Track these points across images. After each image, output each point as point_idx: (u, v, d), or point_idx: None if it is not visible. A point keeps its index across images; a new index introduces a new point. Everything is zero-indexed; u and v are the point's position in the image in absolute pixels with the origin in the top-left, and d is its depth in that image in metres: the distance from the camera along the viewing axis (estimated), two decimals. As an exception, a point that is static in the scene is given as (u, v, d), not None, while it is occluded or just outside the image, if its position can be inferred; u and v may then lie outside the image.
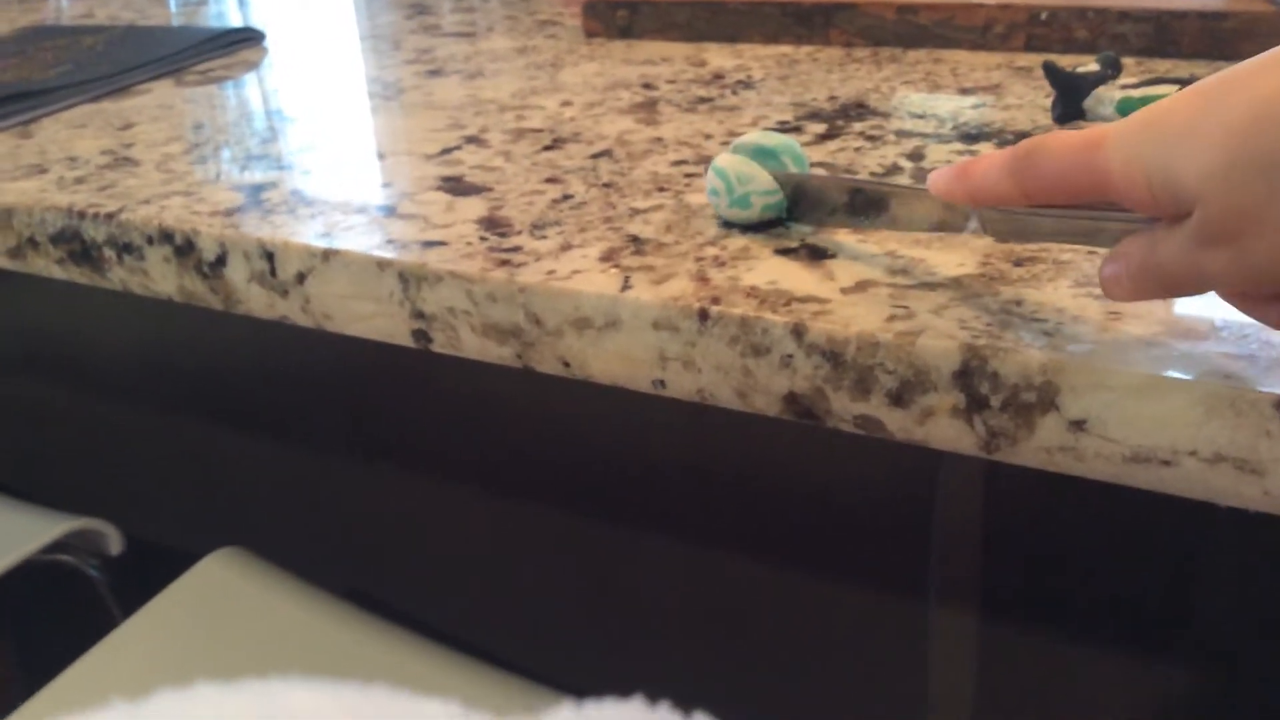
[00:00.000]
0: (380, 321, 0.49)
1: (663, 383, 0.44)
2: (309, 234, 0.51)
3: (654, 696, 0.25)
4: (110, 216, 0.55)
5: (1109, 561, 0.65)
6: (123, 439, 1.06)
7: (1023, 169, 0.36)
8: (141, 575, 0.86)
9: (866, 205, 0.46)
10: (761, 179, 0.48)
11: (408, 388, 0.85)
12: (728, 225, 0.49)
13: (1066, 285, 0.42)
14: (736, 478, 0.75)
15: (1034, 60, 0.71)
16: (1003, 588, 0.69)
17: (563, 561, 0.86)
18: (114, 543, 0.93)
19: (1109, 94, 0.57)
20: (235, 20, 1.07)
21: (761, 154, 0.49)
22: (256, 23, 1.04)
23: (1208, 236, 0.31)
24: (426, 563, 0.93)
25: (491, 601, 0.91)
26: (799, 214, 0.49)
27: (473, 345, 0.48)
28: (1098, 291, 0.41)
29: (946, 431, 0.39)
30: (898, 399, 0.40)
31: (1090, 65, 0.59)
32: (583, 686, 0.24)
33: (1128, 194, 0.33)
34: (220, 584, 0.81)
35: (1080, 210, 0.37)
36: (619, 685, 0.24)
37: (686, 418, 0.74)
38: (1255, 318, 0.35)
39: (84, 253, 0.56)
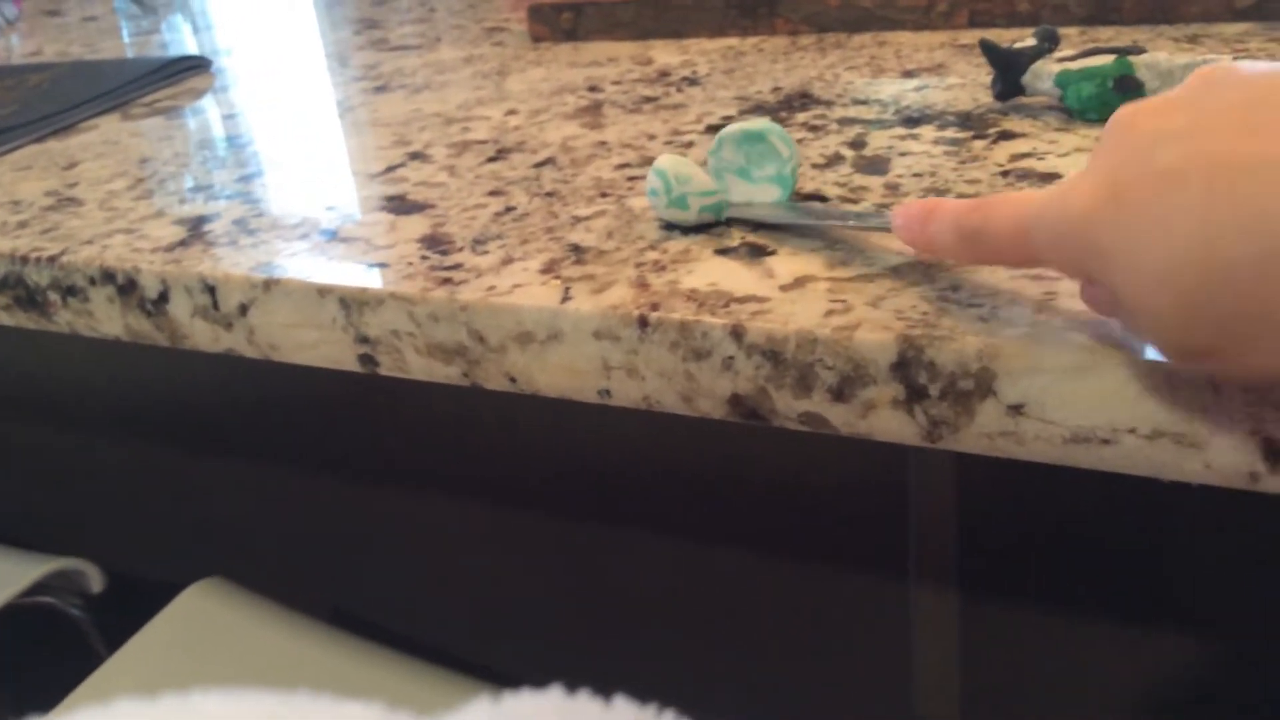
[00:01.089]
0: (325, 349, 0.49)
1: (608, 392, 0.44)
2: (250, 264, 0.50)
3: (644, 695, 0.24)
4: (53, 260, 0.54)
5: (1086, 535, 0.65)
6: (98, 476, 1.05)
7: (969, 242, 0.37)
8: (125, 610, 0.86)
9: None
10: (700, 180, 0.48)
11: (377, 405, 0.84)
12: (669, 227, 0.49)
13: (1003, 268, 0.41)
14: (712, 473, 0.75)
15: (977, 37, 0.71)
16: (981, 567, 0.69)
17: (544, 565, 0.85)
18: (95, 581, 0.93)
19: (1047, 68, 0.56)
20: (190, 47, 1.06)
21: (750, 139, 0.49)
22: (215, 48, 1.03)
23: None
24: (408, 576, 0.93)
25: (478, 610, 0.91)
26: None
27: (419, 366, 0.47)
28: (1034, 272, 0.41)
29: (889, 424, 0.39)
30: (839, 394, 0.39)
31: (1028, 40, 0.59)
32: (570, 688, 0.24)
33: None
34: (202, 615, 0.81)
35: None
36: (605, 684, 0.24)
37: (657, 418, 0.74)
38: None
39: (29, 298, 0.56)
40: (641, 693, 0.25)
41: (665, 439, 0.75)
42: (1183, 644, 0.65)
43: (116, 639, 0.80)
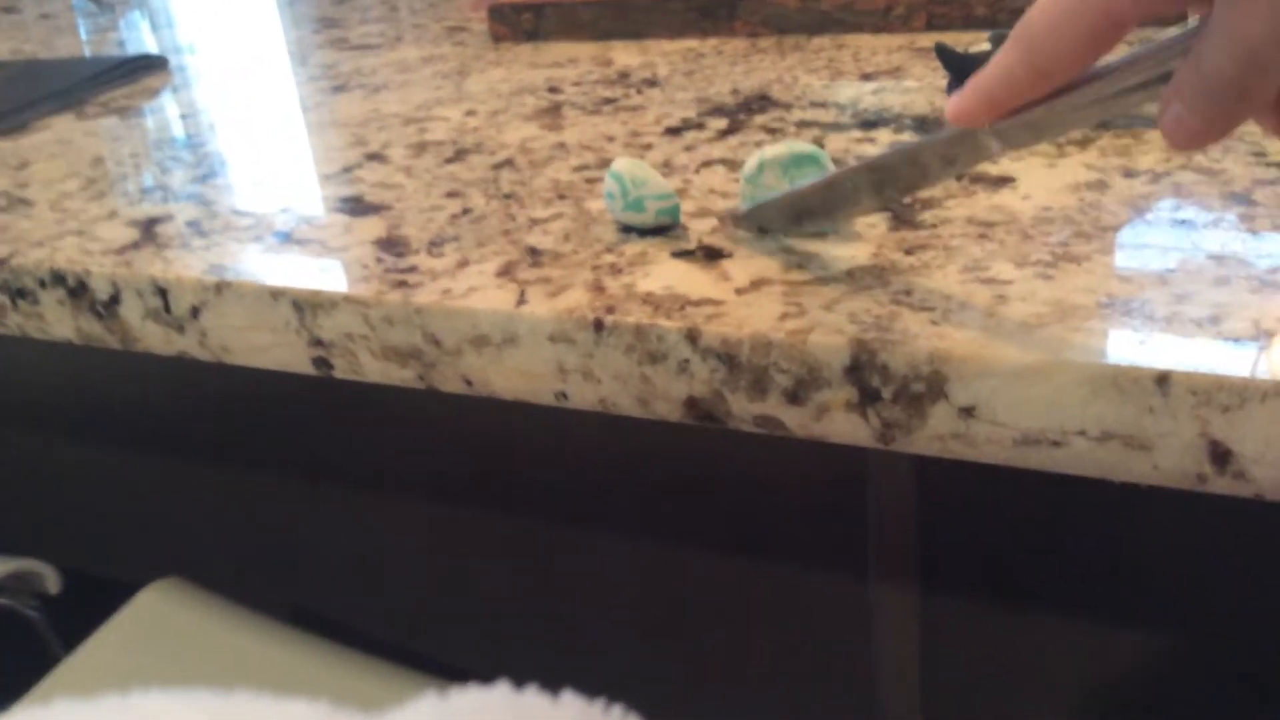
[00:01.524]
0: (279, 351, 0.49)
1: (565, 395, 0.44)
2: (202, 266, 0.50)
3: (602, 694, 0.24)
4: (2, 262, 0.53)
5: (1045, 533, 0.65)
6: (55, 477, 1.04)
7: (1025, 44, 0.33)
8: (82, 611, 0.85)
9: (884, 182, 0.42)
10: (655, 182, 0.48)
11: (333, 404, 0.84)
12: (626, 230, 0.49)
13: (955, 271, 0.42)
14: (672, 473, 0.75)
15: (935, 40, 0.72)
16: (941, 565, 0.69)
17: (503, 564, 0.85)
18: (51, 582, 0.91)
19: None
20: (150, 45, 1.05)
21: (799, 162, 0.46)
22: (175, 45, 1.02)
23: None
24: (367, 575, 0.92)
25: (437, 608, 0.91)
26: (805, 224, 0.46)
27: (374, 369, 0.47)
28: (985, 276, 0.41)
29: (843, 426, 0.39)
30: (794, 397, 0.40)
31: (983, 44, 0.59)
32: (523, 684, 0.24)
33: None
34: (159, 615, 0.80)
35: (1093, 80, 0.34)
36: (564, 682, 0.24)
37: (616, 419, 0.74)
38: None
39: (-22, 300, 0.55)
40: (600, 692, 0.25)
41: (625, 439, 0.75)
42: (1142, 641, 0.66)
43: (74, 640, 0.79)
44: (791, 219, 0.46)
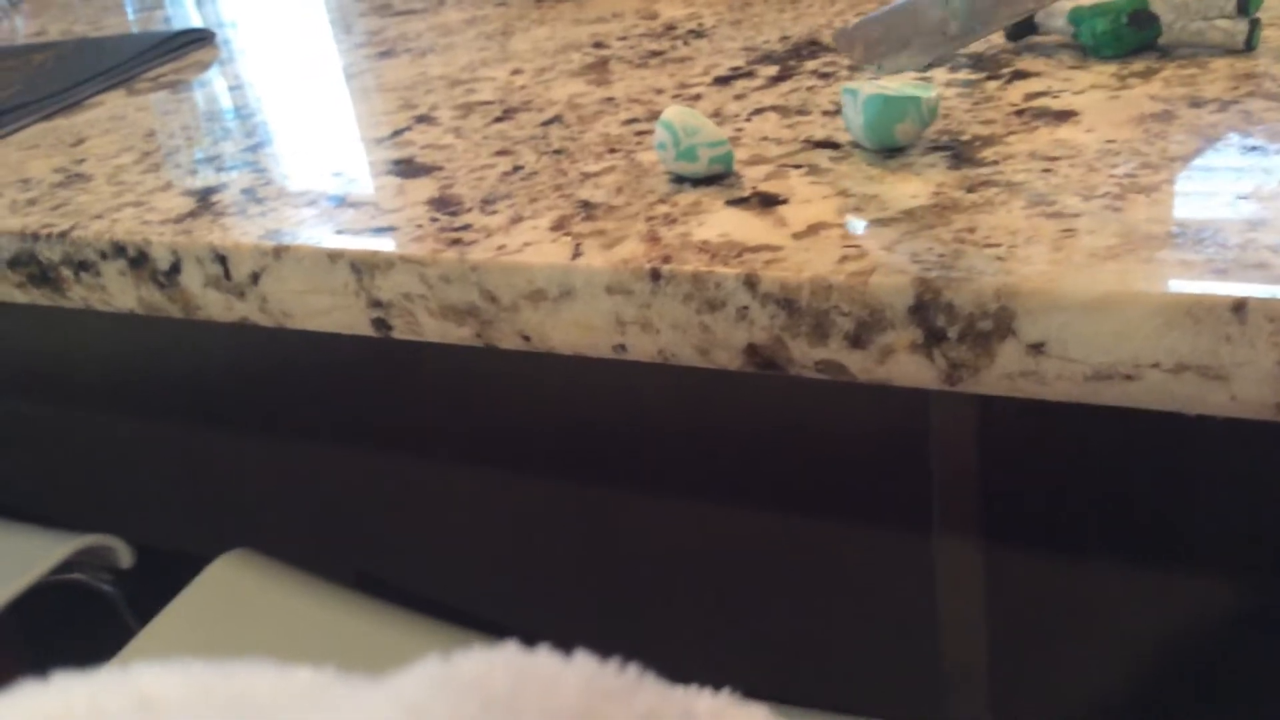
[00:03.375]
0: (339, 314, 0.49)
1: (623, 347, 0.44)
2: (260, 233, 0.50)
3: (668, 656, 0.24)
4: (63, 235, 0.54)
5: (1110, 479, 0.64)
6: (122, 451, 1.06)
7: None
8: (154, 585, 0.86)
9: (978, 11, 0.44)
10: (708, 130, 0.47)
11: (393, 369, 0.84)
12: (679, 180, 0.49)
13: (1020, 206, 0.41)
14: (731, 428, 0.74)
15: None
16: (1005, 513, 0.69)
17: (565, 525, 0.86)
18: (124, 556, 0.94)
19: (1059, 5, 0.55)
20: (195, 21, 1.06)
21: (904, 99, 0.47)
22: (219, 20, 1.03)
23: None
24: (431, 540, 0.93)
25: (501, 571, 0.91)
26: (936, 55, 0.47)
27: (432, 329, 0.47)
28: (1051, 210, 0.40)
29: (907, 368, 0.39)
30: (856, 340, 0.39)
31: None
32: (593, 649, 0.23)
33: None
34: (229, 586, 0.82)
35: None
36: (629, 645, 0.23)
37: (674, 377, 0.74)
38: None
39: (42, 275, 0.56)
40: (665, 654, 0.25)
41: (682, 396, 0.75)
42: (1211, 586, 0.65)
43: (147, 613, 0.81)
44: (888, 43, 0.46)
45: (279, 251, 0.49)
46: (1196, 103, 0.47)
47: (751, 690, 0.26)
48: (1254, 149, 0.42)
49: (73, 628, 1.03)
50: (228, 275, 0.50)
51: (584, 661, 0.21)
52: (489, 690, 0.20)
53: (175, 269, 0.52)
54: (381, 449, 0.90)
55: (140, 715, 0.21)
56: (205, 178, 0.59)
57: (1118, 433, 0.62)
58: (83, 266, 0.54)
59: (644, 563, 0.84)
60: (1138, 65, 0.52)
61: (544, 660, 0.21)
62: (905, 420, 0.68)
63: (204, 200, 0.55)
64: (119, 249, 0.53)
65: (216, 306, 0.52)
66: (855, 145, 0.49)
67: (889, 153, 0.47)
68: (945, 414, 0.67)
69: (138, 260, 0.52)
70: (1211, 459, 0.61)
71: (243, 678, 0.22)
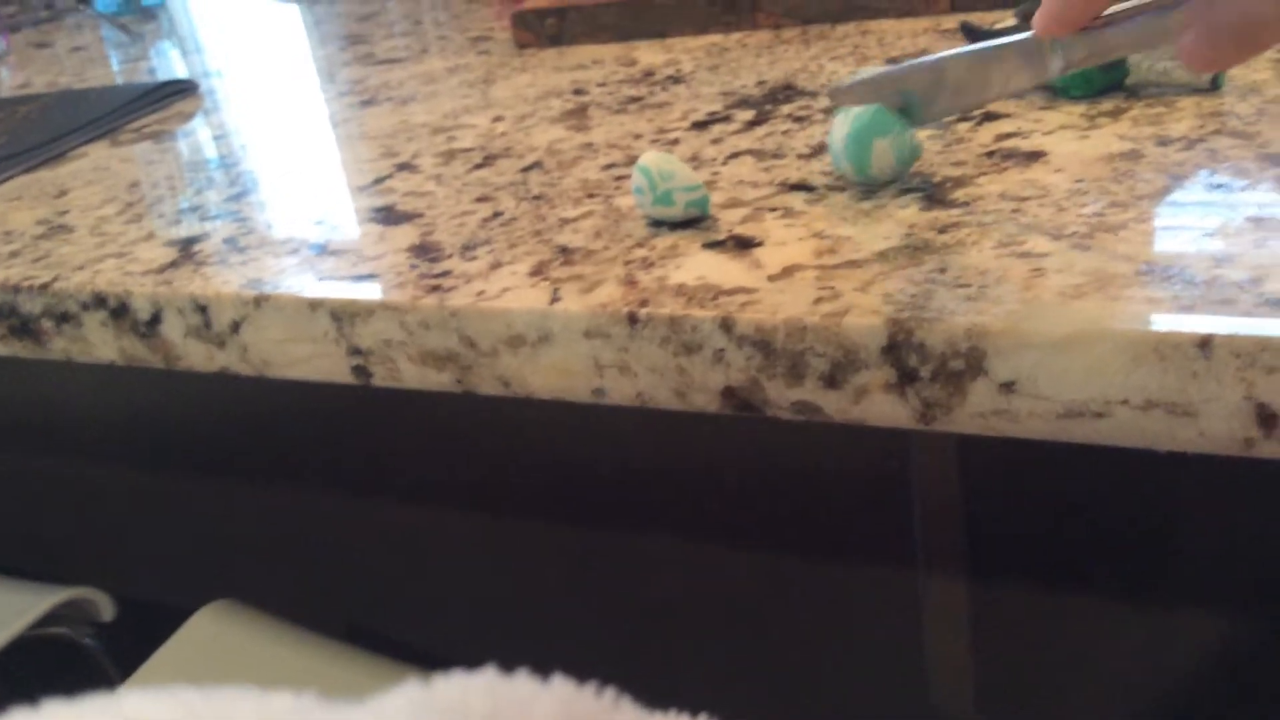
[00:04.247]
0: (319, 362, 0.49)
1: (602, 391, 0.44)
2: (241, 282, 0.50)
3: (656, 697, 0.24)
4: (45, 287, 0.54)
5: (1093, 513, 0.64)
6: (104, 503, 1.05)
7: None
8: (137, 637, 0.86)
9: (967, 82, 0.46)
10: (683, 175, 0.48)
11: (377, 416, 0.84)
12: (656, 224, 0.49)
13: (990, 247, 0.41)
14: (713, 468, 0.74)
15: (960, 20, 0.71)
16: (989, 550, 0.69)
17: (552, 569, 0.85)
18: (106, 609, 0.93)
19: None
20: (180, 71, 1.07)
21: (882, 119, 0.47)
22: (205, 70, 1.04)
23: None
24: (420, 588, 0.93)
25: (489, 617, 0.91)
26: (922, 117, 0.47)
27: (412, 375, 0.47)
28: (1020, 250, 0.41)
29: (882, 408, 0.39)
30: (831, 381, 0.39)
31: (1009, 20, 0.59)
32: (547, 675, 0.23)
33: None
34: (213, 638, 0.81)
35: (1144, 8, 0.38)
36: (622, 688, 0.24)
37: (663, 418, 0.74)
38: None
39: (23, 327, 0.56)
40: (654, 694, 0.25)
41: (663, 438, 0.75)
42: (1196, 619, 0.65)
43: (130, 666, 0.80)
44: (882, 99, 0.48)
45: (259, 300, 0.49)
46: (1163, 141, 0.48)
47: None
48: (1219, 186, 0.43)
49: (54, 682, 1.02)
50: (208, 325, 0.51)
51: (561, 685, 0.22)
52: (466, 713, 0.20)
53: (156, 319, 0.52)
54: (369, 497, 0.89)
55: None
56: (187, 227, 0.59)
57: (1099, 467, 0.62)
58: (64, 318, 0.54)
59: (629, 606, 0.84)
60: (1106, 105, 0.53)
61: (521, 684, 0.22)
62: (887, 458, 0.68)
63: (186, 250, 0.56)
64: (100, 300, 0.53)
65: (197, 356, 0.52)
66: (830, 188, 0.49)
67: (864, 193, 0.48)
68: (927, 451, 0.67)
69: (119, 311, 0.53)
70: (1193, 492, 0.61)
71: (226, 702, 0.22)
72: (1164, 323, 0.34)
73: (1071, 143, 0.49)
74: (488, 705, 0.21)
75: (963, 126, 0.53)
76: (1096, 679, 0.69)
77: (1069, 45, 0.40)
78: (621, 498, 0.79)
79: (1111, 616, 0.66)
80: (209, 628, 0.82)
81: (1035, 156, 0.49)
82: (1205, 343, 0.34)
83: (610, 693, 0.22)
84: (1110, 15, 0.38)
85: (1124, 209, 0.42)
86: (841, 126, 0.48)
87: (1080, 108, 0.53)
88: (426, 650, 0.93)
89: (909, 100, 0.47)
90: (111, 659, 0.93)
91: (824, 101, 0.61)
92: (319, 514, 0.93)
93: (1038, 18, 0.39)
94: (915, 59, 0.47)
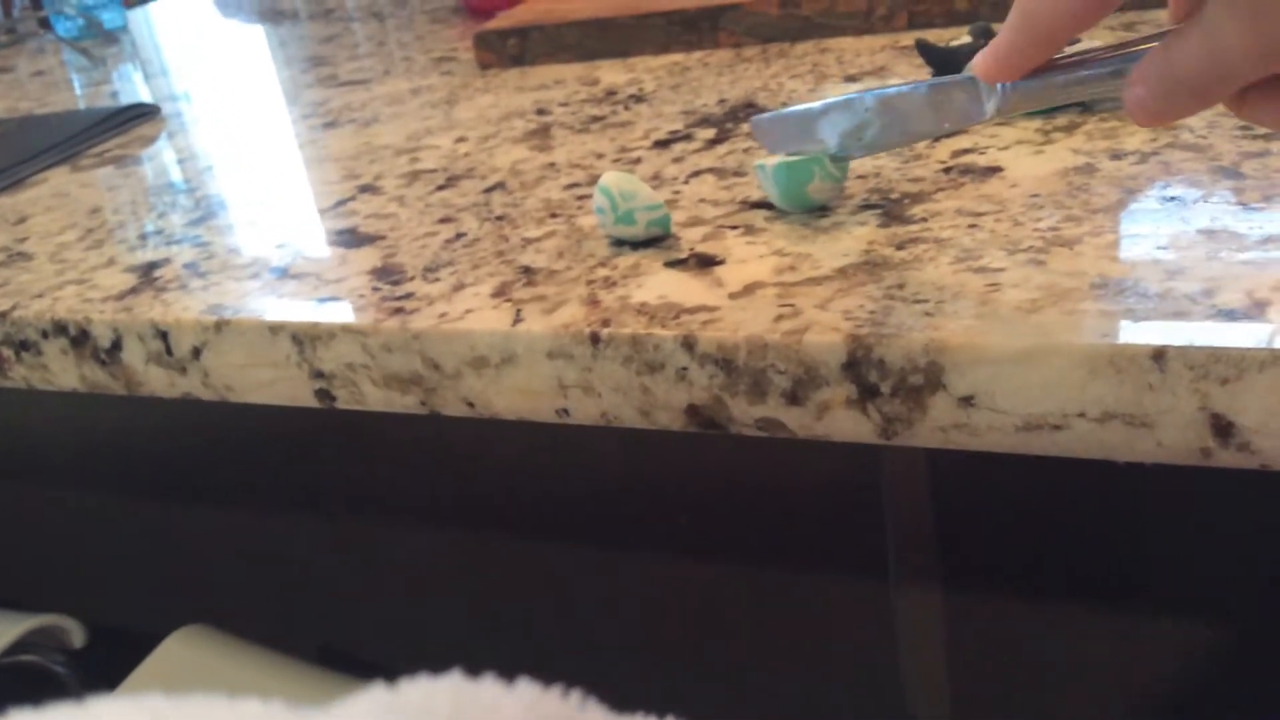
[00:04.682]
0: (281, 386, 0.49)
1: (567, 411, 0.44)
2: (202, 307, 0.50)
3: (632, 708, 0.24)
4: (3, 315, 0.54)
5: (1066, 521, 0.65)
6: (72, 528, 1.04)
7: (1023, 17, 0.35)
8: (108, 663, 0.85)
9: (892, 125, 0.44)
10: (644, 194, 0.48)
11: (343, 438, 0.84)
12: (619, 243, 0.49)
13: (947, 262, 0.42)
14: (683, 485, 0.74)
15: (916, 37, 0.72)
16: (962, 560, 0.69)
17: (524, 587, 0.85)
18: (76, 636, 0.92)
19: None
20: (144, 95, 1.06)
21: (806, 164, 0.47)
22: (171, 93, 1.03)
23: (1221, 5, 0.30)
24: (391, 609, 0.92)
25: (465, 636, 0.91)
26: (844, 153, 0.47)
27: (376, 398, 0.47)
28: (977, 265, 0.41)
29: (844, 424, 0.39)
30: (793, 398, 0.40)
31: (964, 38, 0.59)
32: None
33: None
34: (184, 663, 0.80)
35: (1089, 61, 0.36)
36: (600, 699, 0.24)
37: (632, 436, 0.74)
38: (1265, 123, 0.34)
39: (-18, 355, 0.55)
40: (626, 706, 0.25)
41: (634, 454, 0.75)
42: (1172, 625, 0.65)
43: (102, 692, 0.79)
44: (800, 139, 0.47)
45: (220, 325, 0.49)
46: (1117, 155, 0.49)
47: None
48: (1172, 199, 0.44)
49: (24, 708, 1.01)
50: (169, 351, 0.50)
51: (526, 688, 0.22)
52: (430, 715, 0.20)
53: (117, 346, 0.51)
54: (339, 519, 0.89)
55: None
56: (148, 253, 0.59)
57: (1070, 475, 0.63)
58: (24, 346, 0.54)
59: (604, 623, 0.84)
60: (1061, 120, 0.54)
61: (487, 687, 0.22)
62: (857, 472, 0.69)
63: (146, 276, 0.55)
64: (60, 328, 0.52)
65: (159, 383, 0.52)
66: (790, 205, 0.50)
67: (819, 212, 0.48)
68: (896, 464, 0.67)
69: (79, 339, 0.52)
70: (1164, 498, 0.61)
71: (194, 710, 0.22)
72: (1119, 335, 0.35)
73: (1027, 158, 0.50)
74: (452, 708, 0.21)
75: (920, 144, 0.54)
76: (1073, 687, 0.70)
77: (1007, 92, 0.38)
78: (594, 513, 0.79)
79: (1087, 624, 0.67)
80: (180, 652, 0.81)
81: (991, 172, 0.49)
82: (1159, 354, 0.34)
83: (577, 695, 0.22)
84: (1054, 61, 0.36)
85: (1079, 223, 0.43)
86: (771, 188, 0.48)
87: (1035, 123, 0.54)
88: (400, 670, 0.93)
89: (828, 140, 0.46)
90: (83, 685, 0.92)
91: (785, 119, 0.62)
92: (289, 537, 0.92)
93: (979, 60, 0.37)
94: (838, 96, 0.46)
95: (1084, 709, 0.70)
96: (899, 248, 0.44)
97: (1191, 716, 0.67)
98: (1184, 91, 0.32)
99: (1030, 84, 0.37)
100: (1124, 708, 0.69)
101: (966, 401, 0.37)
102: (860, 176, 0.51)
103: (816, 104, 0.46)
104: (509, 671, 0.22)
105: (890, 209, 0.47)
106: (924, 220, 0.45)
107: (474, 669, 0.23)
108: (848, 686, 0.77)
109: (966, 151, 0.52)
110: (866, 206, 0.48)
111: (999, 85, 0.38)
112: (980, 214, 0.45)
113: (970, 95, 0.39)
